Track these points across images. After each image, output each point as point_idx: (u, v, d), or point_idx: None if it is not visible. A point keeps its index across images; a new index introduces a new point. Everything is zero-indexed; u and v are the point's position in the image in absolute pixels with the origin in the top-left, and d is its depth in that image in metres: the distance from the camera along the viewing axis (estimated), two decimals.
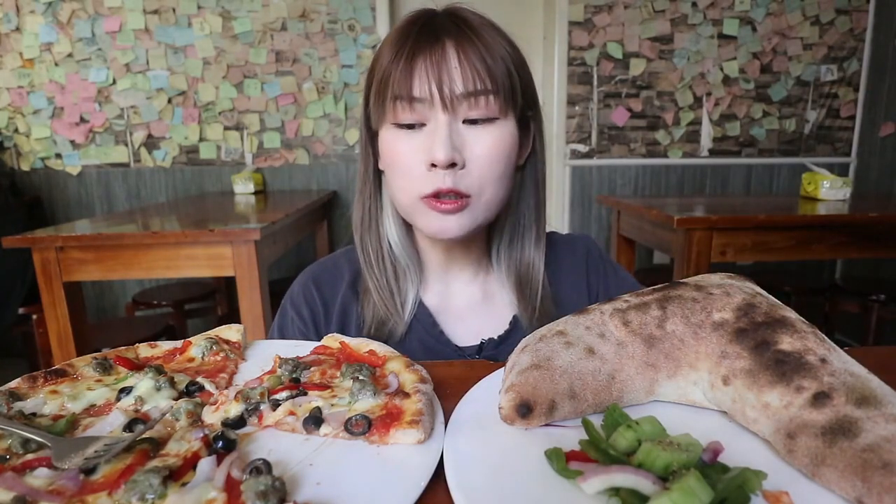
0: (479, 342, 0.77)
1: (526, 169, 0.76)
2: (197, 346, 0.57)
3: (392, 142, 0.67)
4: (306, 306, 0.79)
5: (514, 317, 0.79)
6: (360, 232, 0.77)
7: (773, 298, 0.48)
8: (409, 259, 0.77)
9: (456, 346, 0.77)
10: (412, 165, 0.65)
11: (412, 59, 0.63)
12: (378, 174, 0.76)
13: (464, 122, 0.65)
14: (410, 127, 0.66)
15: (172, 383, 0.49)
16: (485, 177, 0.66)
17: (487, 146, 0.65)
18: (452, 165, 0.64)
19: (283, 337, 0.79)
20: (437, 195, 0.65)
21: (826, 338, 0.43)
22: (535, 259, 0.78)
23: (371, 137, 0.74)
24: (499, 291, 0.81)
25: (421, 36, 0.64)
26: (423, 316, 0.77)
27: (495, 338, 0.77)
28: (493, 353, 0.75)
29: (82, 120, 3.00)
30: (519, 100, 0.68)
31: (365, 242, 0.77)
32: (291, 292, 0.81)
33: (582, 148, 3.18)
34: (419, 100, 0.64)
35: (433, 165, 0.64)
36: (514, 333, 0.77)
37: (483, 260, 0.81)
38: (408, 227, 0.78)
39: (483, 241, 0.80)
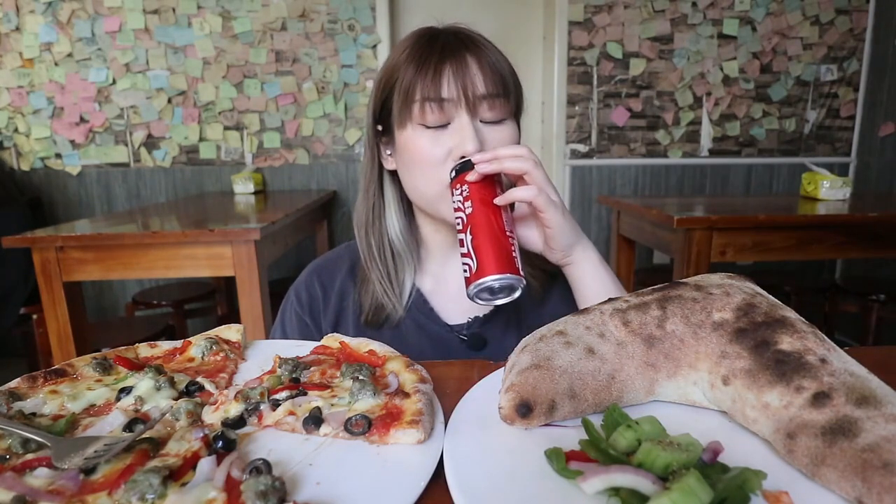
0: (466, 320, 0.85)
1: None
2: (197, 346, 0.57)
3: (418, 139, 0.75)
4: (305, 291, 0.89)
5: None
6: (364, 228, 0.85)
7: (772, 298, 0.48)
8: (409, 250, 0.86)
9: (445, 323, 0.85)
10: (439, 159, 0.74)
11: (440, 66, 0.73)
12: (381, 174, 0.84)
13: (480, 121, 0.75)
14: (434, 127, 0.74)
15: (172, 383, 0.49)
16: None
17: (502, 142, 0.76)
18: None
19: (282, 318, 0.90)
20: None
21: (826, 338, 0.43)
22: None
23: (377, 141, 0.82)
24: None
25: (445, 48, 0.75)
26: (418, 298, 0.86)
27: (481, 316, 0.85)
28: (478, 331, 0.84)
29: (82, 120, 3.00)
30: (522, 104, 0.80)
31: (367, 237, 0.85)
32: (297, 280, 0.92)
33: (582, 148, 3.18)
34: (447, 100, 0.73)
35: (461, 158, 0.73)
36: (498, 314, 0.85)
37: None
38: (409, 220, 0.87)
39: None
